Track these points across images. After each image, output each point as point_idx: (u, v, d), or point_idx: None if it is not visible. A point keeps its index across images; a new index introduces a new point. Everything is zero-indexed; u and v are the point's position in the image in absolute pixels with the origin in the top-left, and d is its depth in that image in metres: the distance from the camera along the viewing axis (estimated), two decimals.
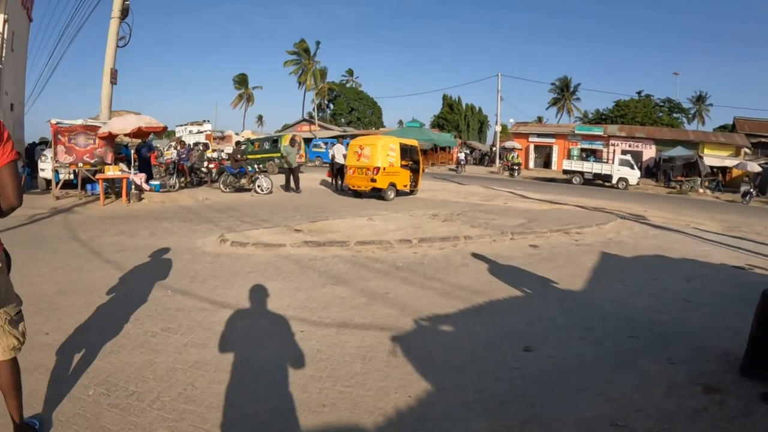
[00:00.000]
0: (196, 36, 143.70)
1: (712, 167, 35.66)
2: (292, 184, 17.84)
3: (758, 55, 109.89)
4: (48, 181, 15.35)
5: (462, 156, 40.99)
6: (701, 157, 34.70)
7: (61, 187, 14.62)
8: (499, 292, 6.19)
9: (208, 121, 30.77)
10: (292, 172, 17.90)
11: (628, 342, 4.78)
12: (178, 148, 19.85)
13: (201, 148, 22.32)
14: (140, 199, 14.00)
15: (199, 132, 28.16)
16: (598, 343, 4.69)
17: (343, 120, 77.00)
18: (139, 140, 17.50)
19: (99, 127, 14.60)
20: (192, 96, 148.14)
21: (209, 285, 6.00)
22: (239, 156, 17.73)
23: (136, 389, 3.38)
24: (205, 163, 19.56)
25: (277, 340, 4.39)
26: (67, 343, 4.10)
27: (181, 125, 30.95)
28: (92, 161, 14.46)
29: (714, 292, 6.81)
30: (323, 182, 21.10)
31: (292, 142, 18.74)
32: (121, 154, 16.81)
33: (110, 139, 14.72)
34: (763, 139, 44.51)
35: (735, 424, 3.29)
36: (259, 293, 5.67)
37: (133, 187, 13.99)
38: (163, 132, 16.82)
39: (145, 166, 16.87)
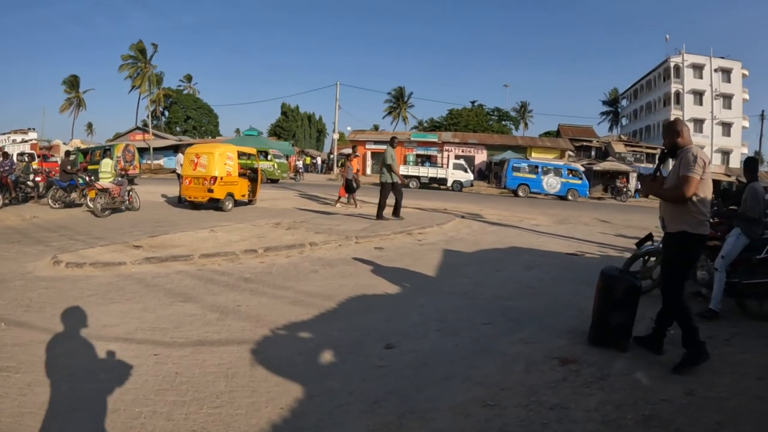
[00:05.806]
0: (20, 32, 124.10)
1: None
2: (387, 212, 12.88)
3: (577, 68, 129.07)
4: None
5: (300, 164, 41.13)
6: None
7: None
8: (351, 294, 6.18)
9: (34, 129, 27.90)
10: (394, 189, 12.84)
11: (483, 329, 5.03)
12: (0, 159, 17.43)
13: (26, 159, 19.84)
14: None
15: (24, 141, 25.31)
16: (456, 333, 4.89)
17: (178, 128, 72.55)
18: None
19: None
20: (15, 100, 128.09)
21: (47, 314, 5.15)
22: (69, 167, 15.82)
23: None
24: (32, 176, 17.37)
25: (132, 368, 3.87)
26: None
27: (3, 134, 27.69)
28: None
29: (553, 278, 7.50)
30: (163, 195, 19.63)
31: (393, 141, 13.06)
32: None
33: None
34: (584, 143, 51.13)
35: (593, 388, 3.67)
36: (104, 318, 5.01)
37: None
38: None
39: None
